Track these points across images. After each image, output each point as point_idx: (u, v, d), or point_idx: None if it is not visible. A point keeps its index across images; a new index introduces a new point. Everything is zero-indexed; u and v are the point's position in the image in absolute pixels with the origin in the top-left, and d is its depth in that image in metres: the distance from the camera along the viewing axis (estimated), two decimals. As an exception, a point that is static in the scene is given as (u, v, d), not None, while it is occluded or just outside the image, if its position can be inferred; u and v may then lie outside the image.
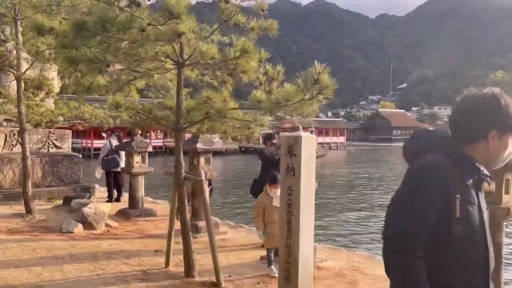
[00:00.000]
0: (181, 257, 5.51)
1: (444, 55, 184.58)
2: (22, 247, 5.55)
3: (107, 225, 7.22)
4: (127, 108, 5.10)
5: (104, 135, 46.22)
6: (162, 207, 9.52)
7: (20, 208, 8.10)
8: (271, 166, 6.42)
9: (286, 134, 4.03)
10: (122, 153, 9.75)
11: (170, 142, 49.07)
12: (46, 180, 9.57)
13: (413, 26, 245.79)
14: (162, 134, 47.24)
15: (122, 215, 8.22)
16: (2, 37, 8.33)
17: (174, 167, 4.93)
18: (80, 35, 3.93)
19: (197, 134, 6.89)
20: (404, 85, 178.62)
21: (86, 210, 7.02)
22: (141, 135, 8.70)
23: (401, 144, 1.88)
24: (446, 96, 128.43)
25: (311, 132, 43.67)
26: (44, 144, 9.82)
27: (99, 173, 9.76)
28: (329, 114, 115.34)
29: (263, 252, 6.28)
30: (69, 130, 10.62)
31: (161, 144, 47.05)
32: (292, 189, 3.76)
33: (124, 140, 9.95)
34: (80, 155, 10.37)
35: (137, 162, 8.35)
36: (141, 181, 8.47)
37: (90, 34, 3.95)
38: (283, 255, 3.81)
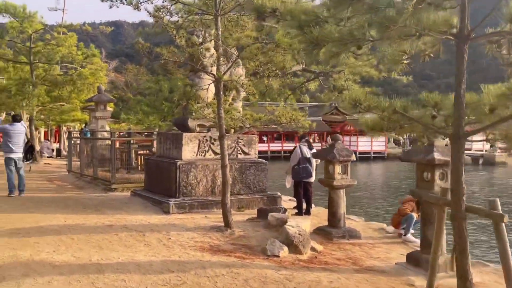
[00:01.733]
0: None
1: None
2: (233, 275, 4.70)
3: (312, 248, 6.09)
4: (370, 107, 3.75)
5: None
6: (361, 225, 8.09)
7: (215, 218, 7.63)
8: None
9: None
10: (313, 161, 8.68)
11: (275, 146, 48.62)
12: (235, 188, 9.07)
13: None
14: (267, 138, 47.07)
15: (321, 234, 7.05)
16: (198, 39, 8.01)
17: (450, 191, 3.39)
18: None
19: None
20: None
21: (290, 229, 5.99)
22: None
23: None
24: None
25: None
26: (233, 150, 9.38)
27: (288, 182, 8.85)
28: None
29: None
30: (256, 136, 10.07)
31: (280, 148, 46.94)
32: None
33: (296, 145, 8.89)
34: (267, 162, 9.67)
35: (338, 173, 7.09)
36: (343, 195, 7.18)
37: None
38: None
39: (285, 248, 5.76)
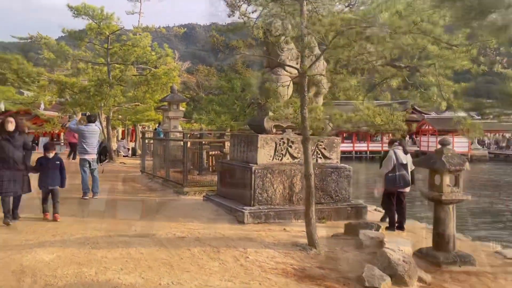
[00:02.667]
0: None
1: None
2: (329, 316, 3.77)
3: (419, 279, 4.96)
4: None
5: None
6: (469, 246, 6.71)
7: (295, 231, 6.77)
8: None
9: None
10: (409, 168, 7.47)
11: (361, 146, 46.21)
12: (315, 195, 8.09)
13: None
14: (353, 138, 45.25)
15: (425, 259, 5.84)
16: (276, 32, 7.15)
17: None
18: None
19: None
20: None
21: (392, 255, 4.92)
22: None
23: None
24: None
25: None
26: (313, 154, 8.43)
27: (379, 193, 7.69)
28: None
29: None
30: (339, 138, 9.02)
31: (351, 148, 44.88)
32: None
33: (389, 149, 7.65)
34: (351, 168, 8.57)
35: (447, 185, 5.85)
36: (452, 212, 5.92)
37: None
38: None
39: (387, 279, 4.69)
